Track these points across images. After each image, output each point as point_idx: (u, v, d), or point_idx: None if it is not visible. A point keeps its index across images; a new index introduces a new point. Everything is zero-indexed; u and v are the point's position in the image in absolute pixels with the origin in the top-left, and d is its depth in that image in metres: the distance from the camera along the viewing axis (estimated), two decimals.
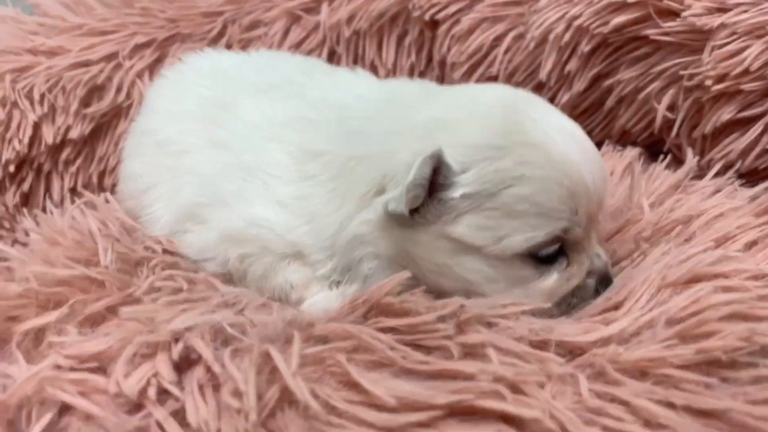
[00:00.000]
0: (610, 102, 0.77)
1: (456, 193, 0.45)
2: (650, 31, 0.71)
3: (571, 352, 0.42)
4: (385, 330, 0.44)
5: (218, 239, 0.56)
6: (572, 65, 0.77)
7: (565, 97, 0.79)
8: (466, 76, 0.84)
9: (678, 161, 0.71)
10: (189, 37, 0.87)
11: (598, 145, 0.77)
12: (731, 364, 0.39)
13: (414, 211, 0.47)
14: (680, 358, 0.39)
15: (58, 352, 0.44)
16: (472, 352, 0.40)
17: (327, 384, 0.40)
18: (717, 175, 0.64)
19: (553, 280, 0.48)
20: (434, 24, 0.86)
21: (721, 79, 0.66)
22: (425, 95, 0.54)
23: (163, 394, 0.40)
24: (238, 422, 0.35)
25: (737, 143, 0.67)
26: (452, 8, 0.83)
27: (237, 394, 0.37)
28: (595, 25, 0.74)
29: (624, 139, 0.79)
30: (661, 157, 0.69)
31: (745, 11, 0.66)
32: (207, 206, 0.57)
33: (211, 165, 0.57)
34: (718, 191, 0.60)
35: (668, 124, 0.73)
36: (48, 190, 0.76)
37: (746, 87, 0.65)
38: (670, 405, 0.37)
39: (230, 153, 0.57)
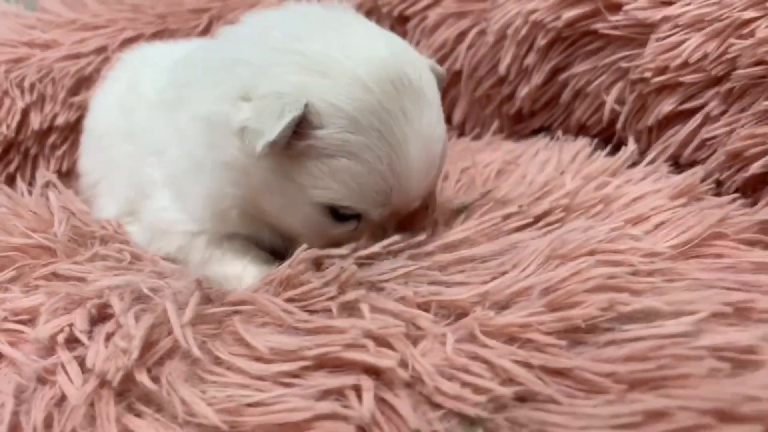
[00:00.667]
0: (566, 95, 0.79)
1: (304, 142, 0.48)
2: (600, 25, 0.73)
3: (455, 314, 0.45)
4: (287, 299, 0.47)
5: (152, 236, 0.60)
6: (530, 59, 0.80)
7: (524, 90, 0.82)
8: None
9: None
10: (176, 32, 0.93)
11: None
12: (592, 329, 0.41)
13: None
14: (545, 326, 0.42)
15: None
16: (349, 310, 0.44)
17: (222, 340, 0.44)
18: (653, 163, 0.65)
19: (337, 232, 0.53)
20: (404, 19, 0.89)
21: (661, 71, 0.68)
22: (329, 23, 0.53)
23: (75, 342, 0.44)
24: (121, 360, 0.39)
25: (677, 135, 0.68)
26: (420, 4, 0.87)
27: (127, 337, 0.41)
28: (550, 20, 0.76)
29: (582, 132, 0.80)
30: (595, 146, 0.71)
31: (688, 4, 0.67)
32: (136, 201, 0.61)
33: (129, 156, 0.61)
34: (645, 178, 0.61)
35: (617, 117, 0.74)
36: (33, 172, 0.82)
37: (686, 79, 0.66)
38: (528, 365, 0.40)
39: (137, 140, 0.61)
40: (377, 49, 0.50)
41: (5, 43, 0.85)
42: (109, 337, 0.44)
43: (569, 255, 0.48)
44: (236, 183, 0.53)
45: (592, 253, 0.48)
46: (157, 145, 0.58)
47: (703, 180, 0.60)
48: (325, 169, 0.49)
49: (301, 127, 0.47)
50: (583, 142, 0.74)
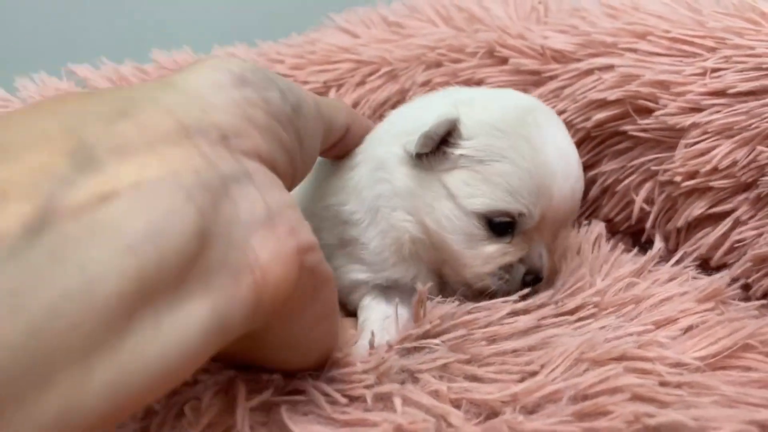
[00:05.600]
0: (594, 191, 0.81)
1: (457, 151, 0.57)
2: (629, 127, 0.75)
3: (485, 412, 0.46)
4: (330, 379, 0.49)
5: None
6: None
7: None
8: None
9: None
10: None
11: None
12: None
13: (423, 156, 0.59)
14: None
15: None
16: (384, 401, 0.45)
17: (272, 425, 0.45)
18: (679, 264, 0.66)
19: (494, 248, 0.59)
20: None
21: (691, 176, 0.69)
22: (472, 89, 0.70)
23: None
24: None
25: (707, 238, 0.69)
26: None
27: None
28: (579, 120, 0.79)
29: (610, 228, 0.81)
30: (622, 241, 0.72)
31: (718, 111, 0.69)
32: None
33: None
34: (673, 279, 0.62)
35: (646, 216, 0.76)
36: None
37: (715, 184, 0.68)
38: None
39: None
40: (510, 92, 0.66)
41: None
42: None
43: (598, 359, 0.49)
44: (407, 209, 0.60)
45: (620, 359, 0.49)
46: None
47: (729, 284, 0.61)
48: (478, 176, 0.57)
49: (453, 138, 0.57)
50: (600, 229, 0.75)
